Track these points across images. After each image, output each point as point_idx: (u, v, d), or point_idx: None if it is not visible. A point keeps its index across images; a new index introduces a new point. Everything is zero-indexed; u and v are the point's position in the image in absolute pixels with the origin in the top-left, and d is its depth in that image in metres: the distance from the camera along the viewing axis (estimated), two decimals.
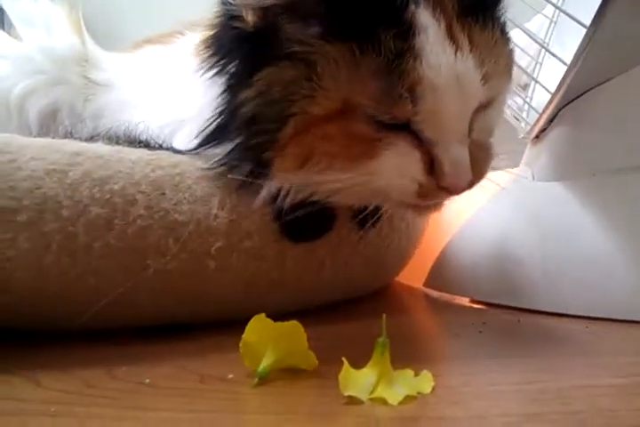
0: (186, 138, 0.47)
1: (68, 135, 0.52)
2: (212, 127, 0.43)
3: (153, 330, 0.42)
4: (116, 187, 0.40)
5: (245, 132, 0.41)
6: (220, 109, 0.43)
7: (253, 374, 0.34)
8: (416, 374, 0.34)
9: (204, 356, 0.39)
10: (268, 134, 0.40)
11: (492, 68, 0.40)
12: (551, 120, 0.63)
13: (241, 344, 0.35)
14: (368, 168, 0.40)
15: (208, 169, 0.44)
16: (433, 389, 0.32)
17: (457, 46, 0.38)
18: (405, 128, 0.39)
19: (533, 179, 0.64)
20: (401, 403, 0.31)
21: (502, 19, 0.45)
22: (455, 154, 0.39)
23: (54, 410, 0.30)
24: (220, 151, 0.43)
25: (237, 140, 0.41)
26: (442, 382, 0.33)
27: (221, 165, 0.43)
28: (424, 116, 0.38)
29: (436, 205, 0.44)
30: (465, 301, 0.58)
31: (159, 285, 0.41)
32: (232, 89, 0.42)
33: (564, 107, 0.61)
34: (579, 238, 0.53)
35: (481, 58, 0.39)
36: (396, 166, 0.40)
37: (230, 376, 0.35)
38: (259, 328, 0.35)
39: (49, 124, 0.68)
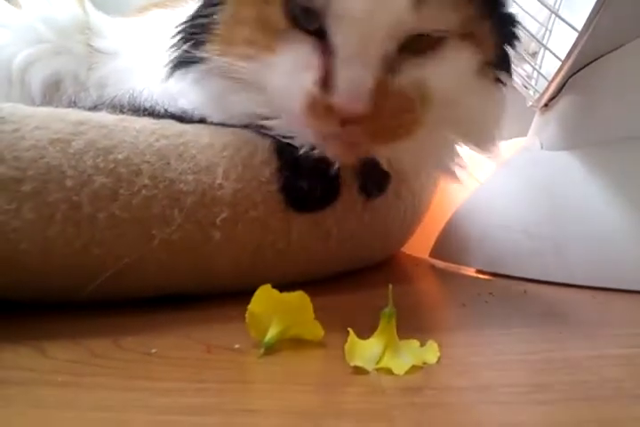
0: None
1: (72, 105, 0.51)
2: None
3: (159, 300, 0.42)
4: (120, 156, 0.39)
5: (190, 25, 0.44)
6: None
7: (259, 345, 0.34)
8: (422, 345, 0.34)
9: (210, 326, 0.39)
10: (207, 19, 0.42)
11: (433, 3, 0.36)
12: (561, 88, 0.62)
13: (247, 315, 0.35)
14: (267, 62, 0.40)
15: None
16: (439, 359, 0.32)
17: None
18: (315, 35, 0.38)
19: (542, 148, 0.63)
20: (407, 373, 0.31)
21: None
22: (354, 72, 0.36)
23: (61, 380, 0.30)
24: None
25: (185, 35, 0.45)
26: (448, 353, 0.33)
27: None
28: (333, 13, 0.36)
29: (343, 146, 0.40)
30: (471, 271, 0.58)
31: (164, 255, 0.41)
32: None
33: (574, 74, 0.60)
34: (587, 208, 0.53)
35: None
36: (291, 67, 0.39)
37: (237, 346, 0.35)
38: (265, 299, 0.35)
39: (52, 93, 0.67)
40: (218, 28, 0.43)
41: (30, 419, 0.26)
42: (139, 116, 0.45)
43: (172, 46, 0.46)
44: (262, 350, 0.33)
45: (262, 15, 0.40)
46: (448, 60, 0.40)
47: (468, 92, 0.43)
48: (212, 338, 0.36)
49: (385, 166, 0.46)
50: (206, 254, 0.42)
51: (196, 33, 0.44)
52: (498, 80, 0.47)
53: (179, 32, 0.46)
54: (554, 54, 0.60)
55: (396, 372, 0.31)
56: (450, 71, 0.41)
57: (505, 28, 0.45)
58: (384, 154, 0.44)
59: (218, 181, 0.42)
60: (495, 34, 0.43)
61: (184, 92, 0.47)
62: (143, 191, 0.39)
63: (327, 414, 0.27)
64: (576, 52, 0.55)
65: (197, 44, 0.44)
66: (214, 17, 0.43)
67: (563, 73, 0.58)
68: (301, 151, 0.42)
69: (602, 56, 0.58)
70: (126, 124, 0.42)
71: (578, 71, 0.60)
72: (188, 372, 0.31)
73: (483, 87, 0.45)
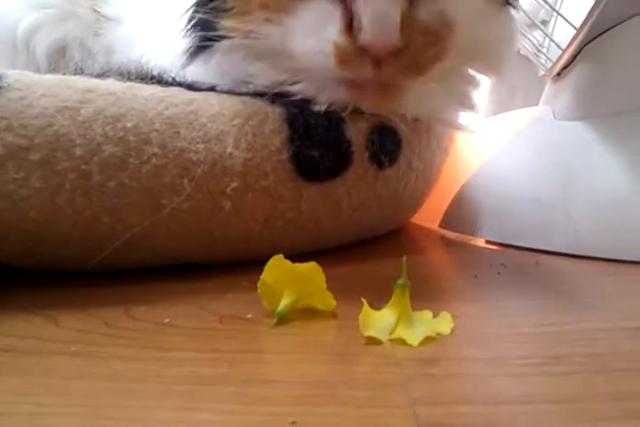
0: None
1: (79, 71, 0.50)
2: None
3: (170, 270, 0.42)
4: (129, 125, 0.39)
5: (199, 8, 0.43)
6: None
7: (272, 315, 0.34)
8: (435, 316, 0.33)
9: (222, 296, 0.39)
10: None
11: None
12: (574, 57, 0.61)
13: (259, 285, 0.35)
14: (287, 23, 0.39)
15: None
16: (452, 330, 0.32)
17: None
18: None
19: (554, 118, 0.62)
20: (421, 344, 0.31)
21: None
22: (377, 6, 0.35)
23: (74, 349, 0.30)
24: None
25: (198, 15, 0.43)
26: (461, 324, 0.33)
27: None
28: None
29: (377, 90, 0.40)
30: (481, 242, 0.58)
31: (175, 225, 0.40)
32: None
33: (589, 43, 0.59)
34: (600, 179, 0.52)
35: None
36: (313, 24, 0.38)
37: (249, 316, 0.35)
38: (277, 269, 0.35)
39: (58, 60, 0.66)
40: (229, 2, 0.42)
41: (43, 388, 0.26)
42: (147, 83, 0.44)
43: (186, 32, 0.45)
44: (275, 320, 0.33)
45: None
46: None
47: (484, 17, 0.44)
48: (224, 308, 0.36)
49: (403, 118, 0.46)
50: (217, 224, 0.42)
51: (208, 13, 0.43)
52: (508, 3, 0.47)
53: (190, 16, 0.45)
54: (568, 22, 0.58)
55: (409, 343, 0.30)
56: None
57: None
58: (411, 94, 0.43)
59: (228, 151, 0.41)
60: None
61: (197, 67, 0.46)
62: (153, 160, 0.39)
63: (342, 383, 0.26)
64: (592, 19, 0.53)
65: (212, 24, 0.43)
66: None
67: (577, 42, 0.57)
68: (316, 114, 0.42)
69: (617, 24, 0.56)
70: (135, 91, 0.41)
71: (593, 39, 0.58)
72: (201, 342, 0.31)
73: (493, 11, 0.45)
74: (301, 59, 0.40)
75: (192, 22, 0.45)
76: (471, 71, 0.49)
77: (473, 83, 0.50)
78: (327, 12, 0.37)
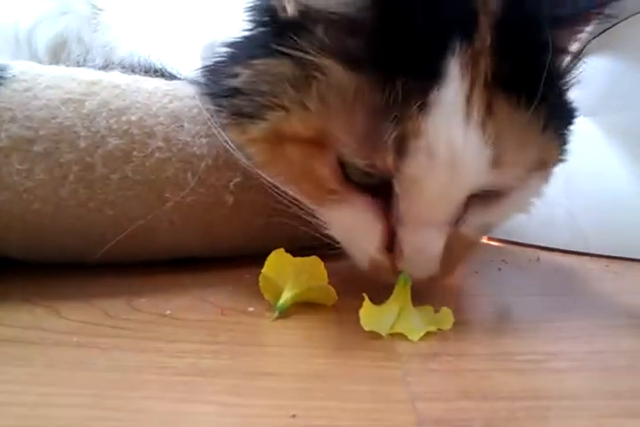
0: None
1: (80, 65, 0.50)
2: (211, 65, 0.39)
3: (173, 263, 0.42)
4: (133, 118, 0.39)
5: (226, 99, 0.37)
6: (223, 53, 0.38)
7: (273, 308, 0.34)
8: (436, 311, 0.33)
9: (224, 289, 0.39)
10: (245, 118, 0.36)
11: (512, 155, 0.32)
12: (580, 52, 0.61)
13: (260, 278, 0.35)
14: (322, 215, 0.36)
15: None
16: (453, 325, 0.32)
17: (472, 117, 0.31)
18: (374, 191, 0.34)
19: None
20: (421, 339, 0.31)
21: (562, 111, 0.37)
22: (422, 241, 0.33)
23: (76, 340, 0.30)
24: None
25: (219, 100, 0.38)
26: (462, 319, 0.33)
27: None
28: (405, 178, 0.31)
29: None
30: (483, 238, 0.58)
31: (178, 218, 0.40)
32: (241, 50, 0.37)
33: (594, 38, 0.59)
34: (604, 177, 0.52)
35: (498, 139, 0.31)
36: (351, 230, 0.35)
37: (250, 309, 0.35)
38: (278, 263, 0.35)
39: (59, 54, 0.66)
40: (255, 145, 0.36)
41: (46, 378, 0.26)
42: (151, 76, 0.44)
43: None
44: (276, 314, 0.33)
45: (309, 162, 0.34)
46: (517, 197, 0.37)
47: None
48: (226, 300, 0.36)
49: None
50: (219, 218, 0.42)
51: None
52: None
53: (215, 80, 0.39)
54: None
55: (410, 337, 0.31)
56: (517, 203, 0.38)
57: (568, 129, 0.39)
58: None
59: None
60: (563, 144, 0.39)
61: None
62: (157, 153, 0.39)
63: (342, 378, 0.27)
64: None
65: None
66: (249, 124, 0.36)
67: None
68: None
69: (624, 19, 0.56)
70: (139, 84, 0.41)
71: (601, 33, 0.58)
72: (203, 334, 0.31)
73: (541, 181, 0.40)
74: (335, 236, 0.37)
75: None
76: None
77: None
78: (368, 224, 0.34)
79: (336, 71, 0.32)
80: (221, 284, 0.39)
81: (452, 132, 0.31)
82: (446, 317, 0.33)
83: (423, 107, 0.30)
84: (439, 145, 0.31)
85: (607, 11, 0.35)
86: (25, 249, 0.40)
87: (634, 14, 0.55)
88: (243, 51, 0.36)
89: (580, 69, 0.39)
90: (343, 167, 0.33)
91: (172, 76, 0.45)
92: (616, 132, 0.54)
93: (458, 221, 0.34)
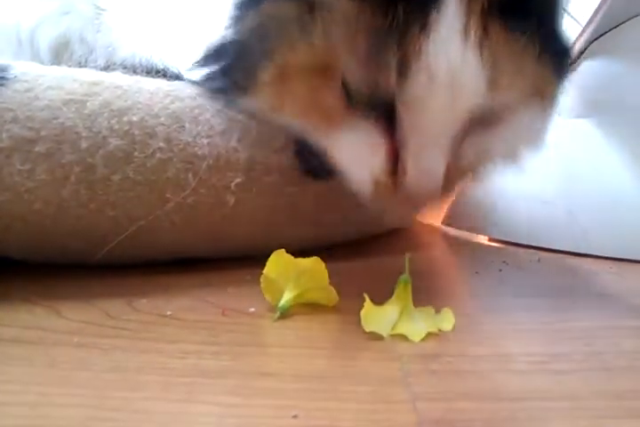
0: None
1: (82, 66, 0.50)
2: (214, 47, 0.41)
3: (174, 263, 0.42)
4: (135, 118, 0.39)
5: (234, 58, 0.39)
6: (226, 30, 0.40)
7: (274, 309, 0.34)
8: (437, 312, 0.33)
9: (225, 289, 0.39)
10: (252, 68, 0.37)
11: (508, 78, 0.34)
12: (580, 54, 0.61)
13: (261, 279, 0.35)
14: (327, 141, 0.37)
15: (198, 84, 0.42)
16: (454, 326, 0.32)
17: (470, 39, 0.32)
18: (378, 116, 0.35)
19: (559, 115, 0.62)
20: (422, 340, 0.31)
21: (557, 42, 0.39)
22: (426, 160, 0.34)
23: (76, 340, 0.30)
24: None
25: (225, 62, 0.40)
26: (463, 320, 0.33)
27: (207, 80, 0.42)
28: (407, 98, 0.33)
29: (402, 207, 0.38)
30: (483, 239, 0.58)
31: (179, 219, 0.40)
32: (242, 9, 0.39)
33: (595, 40, 0.59)
34: (605, 177, 0.52)
35: (494, 61, 0.33)
36: (355, 152, 0.36)
37: (252, 310, 0.35)
38: (279, 264, 0.35)
39: (61, 54, 0.66)
40: (263, 87, 0.38)
41: (46, 378, 0.26)
42: (152, 77, 0.44)
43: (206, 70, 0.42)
44: (277, 315, 0.33)
45: (315, 94, 0.36)
46: (515, 123, 0.38)
47: (522, 127, 0.40)
48: (227, 301, 0.36)
49: None
50: (221, 219, 0.42)
51: (235, 73, 0.40)
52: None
53: (209, 55, 0.42)
54: (574, 19, 0.58)
55: (411, 338, 0.31)
56: (515, 133, 0.39)
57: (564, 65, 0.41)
58: None
59: (233, 145, 0.41)
60: (558, 78, 0.40)
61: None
62: (158, 154, 0.39)
63: (343, 378, 0.27)
64: (598, 17, 0.53)
65: (234, 86, 0.40)
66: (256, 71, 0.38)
67: (583, 39, 0.57)
68: None
69: (624, 22, 0.56)
70: (141, 85, 0.41)
71: (599, 37, 0.58)
72: (204, 335, 0.31)
73: (542, 112, 0.41)
74: (338, 166, 0.38)
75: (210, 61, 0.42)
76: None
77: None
78: (372, 145, 0.35)
79: (340, 3, 0.34)
80: (222, 284, 0.39)
81: (451, 53, 0.32)
82: (447, 318, 0.33)
83: (423, 29, 0.32)
84: (439, 66, 0.32)
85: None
86: (25, 249, 0.40)
87: (633, 17, 0.55)
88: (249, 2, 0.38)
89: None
90: (348, 95, 0.35)
91: (174, 77, 0.45)
92: (615, 133, 0.54)
93: (459, 143, 0.36)
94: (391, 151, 0.35)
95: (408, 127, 0.34)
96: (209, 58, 0.42)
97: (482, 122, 0.36)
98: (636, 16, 0.55)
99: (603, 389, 0.26)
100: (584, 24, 0.56)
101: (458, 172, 0.37)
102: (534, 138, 0.42)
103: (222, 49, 0.41)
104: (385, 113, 0.34)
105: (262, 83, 0.37)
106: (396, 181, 0.35)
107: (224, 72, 0.41)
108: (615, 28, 0.57)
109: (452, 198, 0.40)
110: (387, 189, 0.35)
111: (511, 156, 0.40)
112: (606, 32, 0.58)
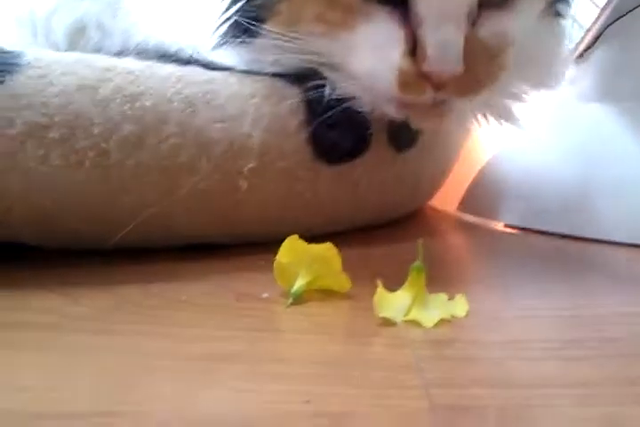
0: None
1: (97, 52, 0.50)
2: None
3: (188, 249, 0.42)
4: (147, 104, 0.39)
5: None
6: None
7: (287, 295, 0.34)
8: (450, 298, 0.33)
9: (239, 275, 0.39)
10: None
11: None
12: (597, 38, 0.60)
13: (275, 265, 0.35)
14: (345, 40, 0.38)
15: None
16: (468, 313, 0.32)
17: None
18: (394, 3, 0.37)
19: (577, 99, 0.61)
20: (435, 326, 0.30)
21: None
22: (443, 34, 0.35)
23: (92, 326, 0.30)
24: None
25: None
26: (477, 307, 0.33)
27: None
28: None
29: (429, 109, 0.39)
30: (499, 226, 0.57)
31: (193, 204, 0.41)
32: None
33: (612, 23, 0.58)
34: (623, 162, 0.51)
35: None
36: (375, 44, 0.38)
37: (265, 295, 0.35)
38: (292, 250, 0.35)
39: (77, 41, 0.66)
40: (280, 5, 0.40)
41: (62, 363, 0.27)
42: (165, 62, 0.44)
43: (224, 14, 0.43)
44: (290, 300, 0.34)
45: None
46: (524, 6, 0.40)
47: (534, 32, 0.43)
48: (241, 287, 0.37)
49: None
50: (234, 204, 0.42)
51: (253, 7, 0.41)
52: (559, 14, 0.46)
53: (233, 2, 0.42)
54: (592, 2, 0.57)
55: (424, 324, 0.30)
56: (526, 17, 0.41)
57: None
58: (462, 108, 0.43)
59: (246, 130, 0.41)
60: None
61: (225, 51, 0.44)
62: (171, 139, 0.39)
63: (355, 364, 0.27)
64: (614, 0, 0.52)
65: (253, 18, 0.41)
66: None
67: (599, 23, 0.56)
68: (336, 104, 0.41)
69: (637, 7, 0.55)
70: (153, 70, 0.41)
71: (616, 20, 0.57)
72: (217, 319, 0.32)
73: (548, 24, 0.45)
74: (360, 78, 0.40)
75: (232, 7, 0.42)
76: (516, 86, 0.48)
77: (516, 97, 0.49)
78: (390, 33, 0.37)
79: None
80: (236, 270, 0.40)
81: None
82: (461, 304, 0.33)
83: None
84: None
85: None
86: (40, 235, 0.40)
87: None
88: None
89: None
90: None
91: (186, 62, 0.45)
92: (632, 117, 0.53)
93: (474, 22, 0.38)
94: (410, 35, 0.36)
95: (422, 6, 0.35)
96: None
97: (491, 4, 0.38)
98: None
99: (616, 375, 0.26)
100: (600, 8, 0.55)
101: (480, 56, 0.38)
102: (538, 23, 0.44)
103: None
104: (398, 2, 0.36)
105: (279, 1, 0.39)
106: (419, 66, 0.36)
107: (243, 12, 0.41)
108: (630, 12, 0.56)
109: (486, 92, 0.41)
110: (410, 75, 0.36)
111: (521, 40, 0.41)
112: (622, 16, 0.57)
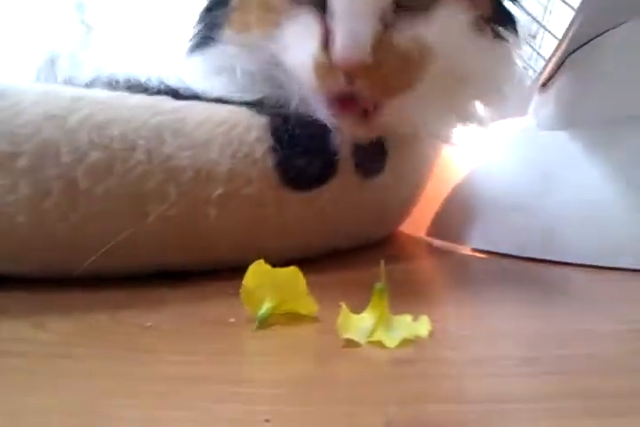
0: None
1: (67, 82, 0.51)
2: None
3: (156, 276, 0.43)
4: (115, 132, 0.39)
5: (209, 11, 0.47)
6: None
7: (254, 319, 0.34)
8: (414, 320, 0.34)
9: (205, 301, 0.39)
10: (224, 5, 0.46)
11: None
12: (558, 68, 0.62)
13: (241, 290, 0.35)
14: (279, 39, 0.43)
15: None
16: (430, 333, 0.32)
17: None
18: (314, 3, 0.41)
19: (538, 128, 0.63)
20: (398, 346, 0.31)
21: None
22: (350, 25, 0.39)
23: (60, 352, 0.30)
24: None
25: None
26: (440, 327, 0.33)
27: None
28: None
29: (359, 118, 0.43)
30: (467, 250, 0.58)
31: (160, 231, 0.41)
32: None
33: (572, 53, 0.60)
34: (583, 188, 0.53)
35: None
36: (296, 38, 0.42)
37: (231, 320, 0.35)
38: (258, 274, 0.35)
39: (48, 73, 0.66)
40: (232, 15, 0.46)
41: (32, 388, 0.26)
42: (133, 92, 0.45)
43: (196, 32, 0.49)
44: (257, 324, 0.34)
45: (265, 3, 0.44)
46: (443, 16, 0.43)
47: (468, 48, 0.46)
48: (207, 312, 0.37)
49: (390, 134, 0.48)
50: (202, 231, 0.43)
51: (215, 19, 0.47)
52: (499, 36, 0.48)
53: (200, 19, 0.49)
54: (551, 33, 0.59)
55: (387, 345, 0.31)
56: (445, 27, 0.43)
57: None
58: (391, 117, 0.45)
59: (213, 157, 0.42)
60: None
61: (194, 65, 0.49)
62: (138, 167, 0.40)
63: (317, 384, 0.27)
64: (573, 30, 0.54)
65: (216, 28, 0.47)
66: (231, 4, 0.46)
67: (560, 51, 0.58)
68: (301, 123, 0.44)
69: (599, 35, 0.57)
70: (122, 99, 0.42)
71: (576, 50, 0.59)
72: (182, 344, 0.32)
73: (483, 43, 0.47)
74: (290, 71, 0.44)
75: (201, 24, 0.48)
76: (462, 102, 0.51)
77: (469, 116, 0.52)
78: (309, 29, 0.41)
79: None
80: (203, 296, 0.40)
81: None
82: (424, 325, 0.33)
83: None
84: None
85: None
86: (6, 264, 0.40)
87: (609, 29, 0.56)
88: None
89: None
90: None
91: (155, 92, 0.46)
92: (592, 145, 0.55)
93: (389, 24, 0.40)
94: (325, 32, 0.40)
95: (335, 3, 0.39)
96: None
97: (408, 9, 0.41)
98: (611, 30, 0.56)
99: (572, 390, 0.26)
100: (560, 37, 0.57)
101: (393, 58, 0.40)
102: (470, 39, 0.46)
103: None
104: (318, 4, 0.41)
105: (232, 10, 0.46)
106: (331, 56, 0.39)
107: (205, 21, 0.48)
108: (591, 41, 0.58)
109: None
110: (324, 65, 0.40)
111: (444, 51, 0.44)
112: (582, 45, 0.59)
